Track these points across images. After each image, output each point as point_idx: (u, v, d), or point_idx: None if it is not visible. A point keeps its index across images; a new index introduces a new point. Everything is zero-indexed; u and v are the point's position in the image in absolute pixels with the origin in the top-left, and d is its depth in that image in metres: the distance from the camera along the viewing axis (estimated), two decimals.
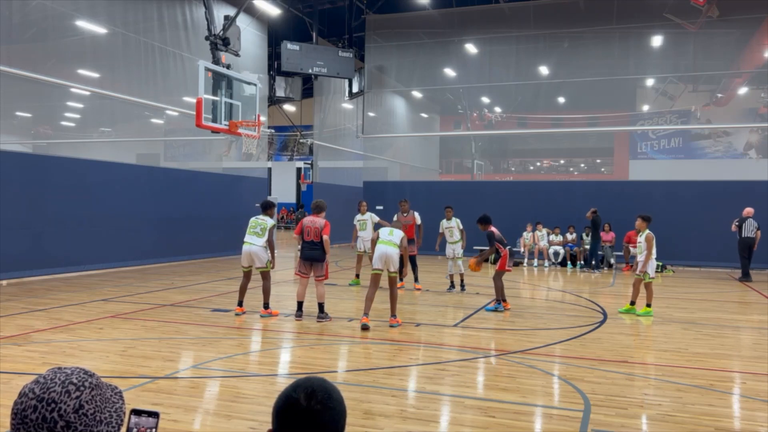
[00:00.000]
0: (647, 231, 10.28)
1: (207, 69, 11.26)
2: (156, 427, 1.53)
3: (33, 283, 12.82)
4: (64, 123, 21.41)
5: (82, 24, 16.11)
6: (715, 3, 19.04)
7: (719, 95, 23.42)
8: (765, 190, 17.61)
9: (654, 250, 10.22)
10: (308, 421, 1.47)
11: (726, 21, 19.63)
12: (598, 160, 31.63)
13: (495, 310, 10.46)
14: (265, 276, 9.61)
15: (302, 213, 23.74)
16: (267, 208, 9.93)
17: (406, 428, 4.83)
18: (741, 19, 19.84)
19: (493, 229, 10.61)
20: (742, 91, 23.55)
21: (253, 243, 9.52)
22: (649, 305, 10.26)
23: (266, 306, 9.63)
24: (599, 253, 18.08)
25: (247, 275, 9.76)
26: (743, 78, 22.71)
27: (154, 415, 1.53)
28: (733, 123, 22.99)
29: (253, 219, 9.81)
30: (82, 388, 1.37)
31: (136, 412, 1.52)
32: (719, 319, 10.16)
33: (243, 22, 16.96)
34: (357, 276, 13.62)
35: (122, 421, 1.44)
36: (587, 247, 18.44)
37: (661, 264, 17.83)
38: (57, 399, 1.34)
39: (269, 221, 9.67)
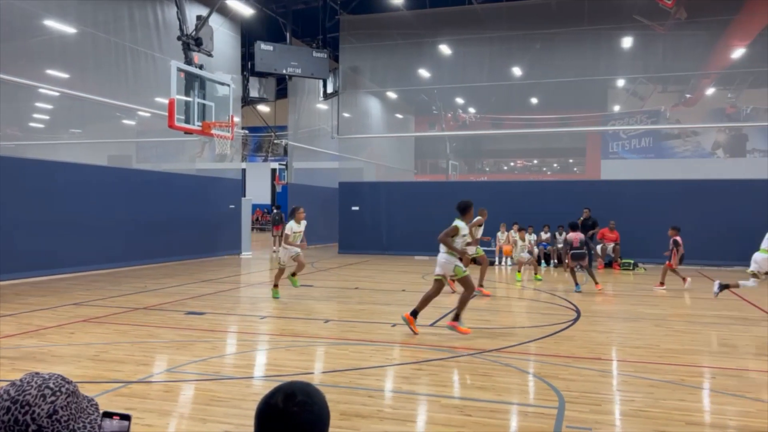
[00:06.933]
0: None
1: (179, 69, 11.15)
2: (128, 431, 1.51)
3: (1, 287, 12.55)
4: (32, 124, 20.95)
5: (51, 23, 15.80)
6: (683, 5, 19.39)
7: (688, 96, 23.86)
8: (732, 189, 17.99)
9: None
10: (284, 423, 1.47)
11: (694, 23, 19.99)
12: (571, 160, 32.01)
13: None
14: None
15: (278, 214, 23.47)
16: None
17: (383, 428, 4.83)
18: (708, 21, 20.21)
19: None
20: (710, 91, 24.02)
21: None
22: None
23: None
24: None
25: None
26: (711, 79, 23.17)
27: (126, 417, 1.51)
28: (701, 123, 23.45)
29: None
30: (58, 393, 1.35)
31: (107, 415, 1.49)
32: (689, 316, 10.36)
33: (216, 22, 16.79)
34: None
35: None
36: (560, 246, 18.67)
37: (632, 262, 18.14)
38: (32, 402, 1.31)
39: None
